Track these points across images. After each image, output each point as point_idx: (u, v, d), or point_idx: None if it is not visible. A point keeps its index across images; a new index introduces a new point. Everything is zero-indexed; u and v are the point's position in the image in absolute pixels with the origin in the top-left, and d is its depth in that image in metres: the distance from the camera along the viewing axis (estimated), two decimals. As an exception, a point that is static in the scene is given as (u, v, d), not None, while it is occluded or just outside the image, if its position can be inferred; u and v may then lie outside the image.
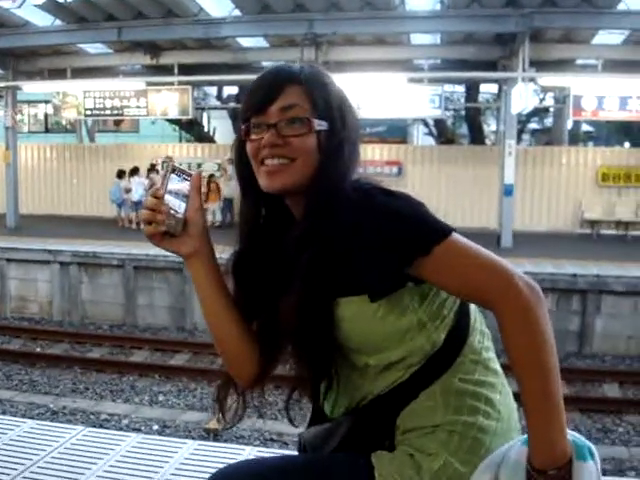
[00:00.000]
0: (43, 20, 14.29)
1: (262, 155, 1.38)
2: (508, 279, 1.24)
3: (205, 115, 25.58)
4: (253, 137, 1.39)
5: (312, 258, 1.33)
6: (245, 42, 15.42)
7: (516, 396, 1.37)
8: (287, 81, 1.38)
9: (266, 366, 1.50)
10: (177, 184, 1.38)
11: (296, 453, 1.62)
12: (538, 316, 1.21)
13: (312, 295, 1.33)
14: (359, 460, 1.38)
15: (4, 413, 8.18)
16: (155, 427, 7.81)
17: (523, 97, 13.18)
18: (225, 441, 7.39)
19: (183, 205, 1.37)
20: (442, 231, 1.28)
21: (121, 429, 7.73)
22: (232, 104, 23.18)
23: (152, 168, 18.43)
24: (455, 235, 1.29)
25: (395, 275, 1.31)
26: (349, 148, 1.41)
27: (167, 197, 1.35)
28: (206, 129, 25.29)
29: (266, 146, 1.36)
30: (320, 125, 1.37)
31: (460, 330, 1.41)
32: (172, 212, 1.35)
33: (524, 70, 13.28)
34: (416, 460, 1.34)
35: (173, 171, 1.38)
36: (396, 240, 1.27)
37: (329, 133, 1.38)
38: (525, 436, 1.24)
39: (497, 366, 1.45)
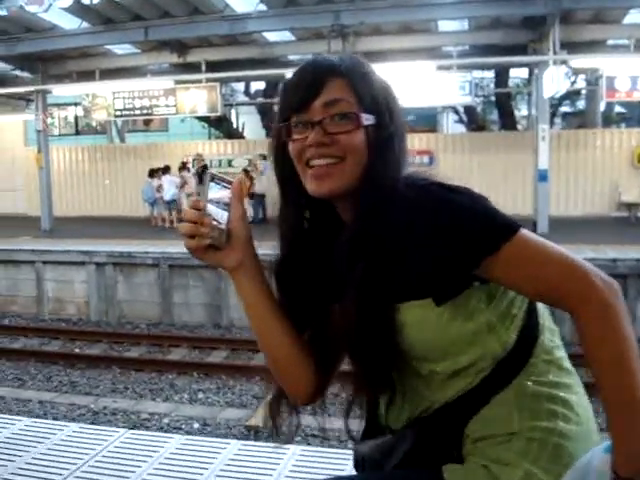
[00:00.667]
0: (70, 23, 14.38)
1: (307, 155, 1.29)
2: (584, 276, 1.16)
3: (233, 111, 25.59)
4: (296, 137, 1.30)
5: (368, 262, 1.25)
6: (271, 36, 15.36)
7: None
8: (329, 74, 1.29)
9: (322, 379, 1.42)
10: (217, 192, 1.29)
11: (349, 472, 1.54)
12: (617, 313, 1.15)
13: (370, 302, 1.25)
14: (429, 476, 1.30)
15: (45, 415, 8.26)
16: (196, 425, 7.81)
17: (555, 80, 12.98)
18: (267, 438, 7.38)
19: (225, 215, 1.29)
20: (511, 227, 1.20)
21: (162, 428, 7.76)
22: (260, 99, 23.16)
23: (183, 166, 18.52)
24: (523, 231, 1.21)
25: (461, 276, 1.23)
26: (398, 142, 1.32)
27: (209, 207, 1.27)
28: (235, 125, 25.29)
29: (312, 145, 1.27)
30: (367, 120, 1.28)
31: (530, 329, 1.32)
32: (214, 223, 1.27)
33: (555, 53, 13.08)
34: (492, 472, 1.25)
35: (212, 179, 1.30)
36: (462, 239, 1.19)
37: (377, 127, 1.29)
38: (608, 443, 1.15)
39: (569, 365, 1.36)
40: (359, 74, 1.31)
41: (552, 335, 1.37)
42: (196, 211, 1.26)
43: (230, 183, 1.31)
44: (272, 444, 4.21)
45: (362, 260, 1.26)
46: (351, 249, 1.28)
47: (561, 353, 1.36)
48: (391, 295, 1.25)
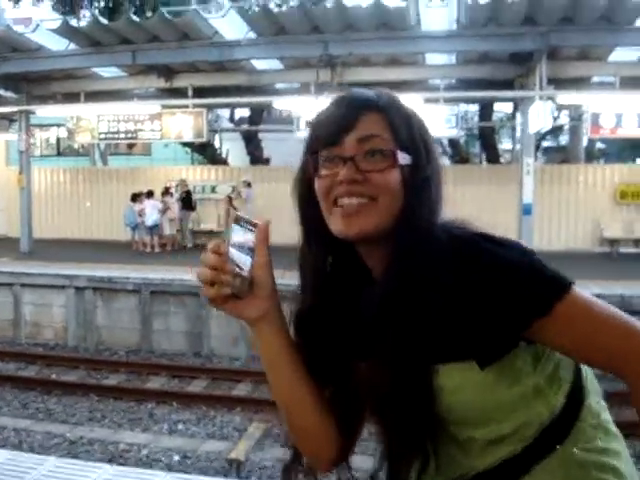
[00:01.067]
0: (57, 44, 14.27)
1: (336, 193, 1.18)
2: None
3: (217, 137, 25.54)
4: (324, 172, 1.20)
5: (404, 317, 1.14)
6: (259, 64, 15.35)
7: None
8: (364, 108, 1.19)
9: (345, 443, 1.30)
10: (241, 235, 1.18)
11: None
12: None
13: (406, 363, 1.14)
14: None
15: (21, 443, 8.04)
16: (176, 458, 7.62)
17: (541, 115, 13.06)
18: (249, 472, 7.21)
19: (249, 260, 1.17)
20: (562, 285, 1.11)
21: (140, 460, 7.58)
22: (245, 126, 23.16)
23: (166, 191, 18.42)
24: (575, 288, 1.11)
25: (508, 337, 1.13)
26: (435, 186, 1.22)
27: (231, 251, 1.16)
28: (219, 151, 25.23)
29: (342, 182, 1.17)
30: (404, 159, 1.18)
31: (578, 392, 1.22)
32: (237, 270, 1.15)
33: (541, 88, 13.17)
34: None
35: (236, 221, 1.19)
36: (512, 298, 1.09)
37: (413, 168, 1.19)
38: None
39: (615, 428, 1.26)
40: (396, 111, 1.21)
41: (598, 396, 1.27)
42: (217, 256, 1.14)
43: (255, 226, 1.19)
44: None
45: (397, 314, 1.15)
46: (384, 301, 1.17)
47: (607, 416, 1.25)
48: (429, 355, 1.14)
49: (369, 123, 1.18)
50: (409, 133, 1.20)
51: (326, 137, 1.20)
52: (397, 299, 1.16)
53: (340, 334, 1.28)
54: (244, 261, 1.17)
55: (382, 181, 1.17)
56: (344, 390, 1.29)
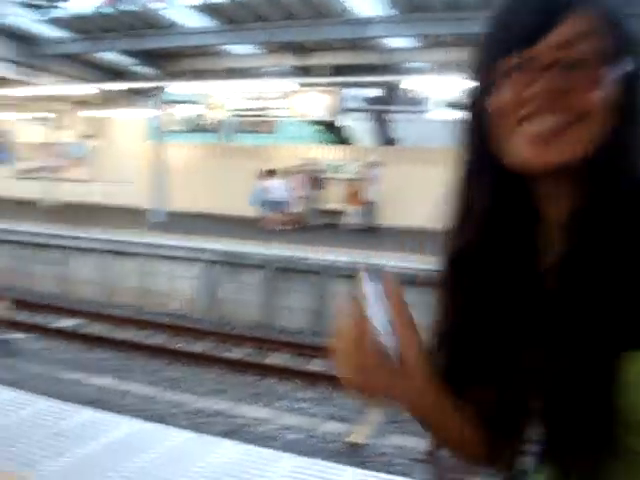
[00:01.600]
0: (192, 21, 14.51)
1: (528, 110, 0.89)
2: None
3: (345, 117, 25.40)
4: (509, 84, 0.91)
5: (606, 295, 0.87)
6: (392, 42, 15.10)
7: None
8: (567, 4, 0.89)
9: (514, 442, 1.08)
10: (372, 286, 0.93)
11: None
12: None
13: (595, 349, 0.88)
14: None
15: (145, 411, 8.19)
16: (294, 436, 7.59)
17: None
18: (366, 457, 7.08)
19: (385, 319, 0.91)
20: None
21: (259, 436, 7.59)
22: (375, 106, 22.89)
23: (293, 170, 18.51)
24: None
25: None
26: None
27: (370, 314, 0.91)
28: (347, 131, 25.09)
29: (538, 97, 0.88)
30: (617, 72, 0.89)
31: None
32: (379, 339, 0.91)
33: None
34: None
35: (365, 269, 0.94)
36: None
37: (627, 85, 0.90)
38: None
39: None
40: (607, 12, 0.92)
41: None
42: (358, 330, 0.93)
43: (383, 277, 0.93)
44: (391, 477, 3.93)
45: (596, 283, 0.89)
46: (578, 270, 0.91)
47: None
48: (620, 339, 0.87)
49: (573, 24, 0.89)
50: (624, 41, 0.92)
51: (515, 39, 0.91)
52: (591, 260, 0.90)
53: (500, 298, 1.03)
54: (384, 329, 0.92)
55: (592, 97, 0.88)
56: (515, 383, 1.03)
